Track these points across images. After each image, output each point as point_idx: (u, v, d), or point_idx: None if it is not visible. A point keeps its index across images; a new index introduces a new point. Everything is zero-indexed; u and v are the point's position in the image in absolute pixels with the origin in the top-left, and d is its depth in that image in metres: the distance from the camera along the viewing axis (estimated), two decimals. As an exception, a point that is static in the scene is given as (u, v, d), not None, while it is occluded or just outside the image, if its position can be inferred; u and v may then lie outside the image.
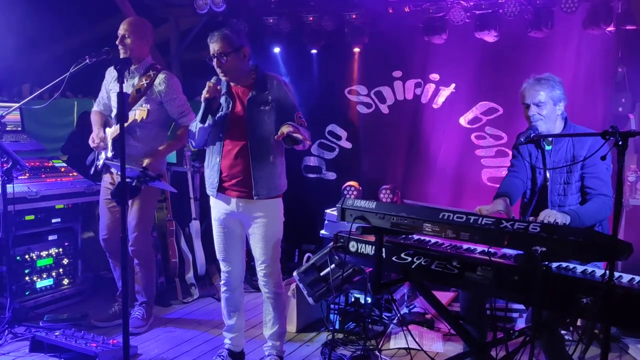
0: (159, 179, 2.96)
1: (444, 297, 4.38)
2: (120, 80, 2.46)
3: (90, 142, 3.96)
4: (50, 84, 3.61)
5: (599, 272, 2.31)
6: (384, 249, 2.68)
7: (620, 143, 2.06)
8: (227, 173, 3.20)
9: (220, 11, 5.24)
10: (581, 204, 3.00)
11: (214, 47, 3.11)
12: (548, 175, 3.06)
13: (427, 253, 2.58)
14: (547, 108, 2.99)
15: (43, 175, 4.42)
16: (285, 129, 2.96)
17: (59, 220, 4.45)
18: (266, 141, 3.16)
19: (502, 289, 2.37)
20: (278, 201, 3.27)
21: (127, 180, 2.63)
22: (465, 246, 2.66)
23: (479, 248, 2.60)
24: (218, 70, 3.16)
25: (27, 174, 4.28)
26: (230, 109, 3.19)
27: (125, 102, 2.40)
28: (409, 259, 2.62)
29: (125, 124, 3.56)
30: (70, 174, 4.60)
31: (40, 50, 5.85)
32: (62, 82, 3.55)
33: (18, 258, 4.14)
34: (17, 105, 3.98)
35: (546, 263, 2.33)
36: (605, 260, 2.11)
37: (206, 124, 3.14)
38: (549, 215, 2.71)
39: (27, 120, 4.82)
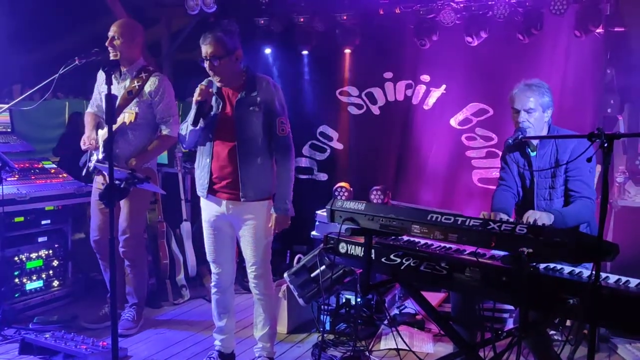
0: (148, 181, 2.96)
1: (435, 298, 4.39)
2: (108, 82, 2.45)
3: (81, 143, 3.95)
4: (40, 85, 3.60)
5: (586, 273, 2.32)
6: (373, 251, 2.68)
7: (605, 145, 2.07)
8: (217, 175, 3.20)
9: (212, 12, 5.23)
10: (566, 205, 3.03)
11: (206, 49, 3.08)
12: (534, 180, 3.09)
13: (415, 254, 2.58)
14: (536, 115, 3.01)
15: (33, 177, 4.40)
16: (275, 228, 3.23)
17: (48, 222, 4.42)
18: (254, 142, 3.16)
19: (490, 289, 2.38)
20: (268, 203, 3.27)
21: (116, 182, 2.62)
22: (454, 247, 2.67)
23: (469, 250, 2.62)
24: (210, 73, 3.15)
25: (17, 176, 4.26)
26: (220, 109, 3.18)
27: (113, 104, 2.39)
28: (398, 260, 2.63)
29: (115, 126, 3.56)
30: (60, 176, 4.58)
31: (31, 51, 5.81)
32: (51, 83, 3.54)
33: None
34: (6, 106, 3.96)
35: (534, 264, 2.35)
36: (591, 261, 2.12)
37: (197, 127, 3.13)
38: (530, 216, 2.75)
39: (18, 122, 4.80)
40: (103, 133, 3.86)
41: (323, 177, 5.71)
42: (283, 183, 3.22)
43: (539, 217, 2.75)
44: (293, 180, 3.28)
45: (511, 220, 2.92)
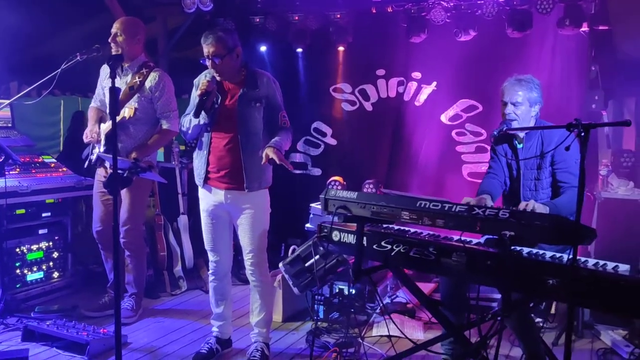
0: (150, 170, 3.07)
1: (425, 288, 4.52)
2: (112, 75, 2.55)
3: (84, 137, 4.06)
4: (41, 81, 3.69)
5: (566, 257, 2.45)
6: (365, 238, 2.80)
7: (582, 134, 2.21)
8: (215, 165, 3.31)
9: (208, 10, 5.34)
10: (554, 197, 3.17)
11: (208, 49, 3.17)
12: (521, 171, 3.23)
13: (405, 240, 2.71)
14: (523, 108, 3.15)
15: (33, 171, 4.50)
16: (271, 154, 3.08)
17: (49, 214, 4.53)
18: (256, 136, 3.28)
19: (475, 273, 2.51)
20: (265, 193, 3.40)
21: (119, 171, 2.73)
22: (443, 235, 2.79)
23: (457, 237, 2.74)
24: (212, 71, 3.25)
25: (18, 169, 4.36)
26: (219, 103, 3.29)
27: (117, 97, 2.51)
28: (389, 246, 2.75)
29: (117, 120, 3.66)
30: (60, 170, 4.69)
31: (28, 49, 5.87)
32: (52, 79, 3.63)
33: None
34: (8, 101, 4.06)
35: (517, 249, 2.48)
36: (569, 243, 2.25)
37: (202, 122, 3.24)
38: (528, 205, 2.88)
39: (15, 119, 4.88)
40: (105, 127, 3.97)
41: (317, 172, 5.82)
42: (282, 137, 3.26)
43: (535, 207, 2.88)
44: (289, 144, 3.34)
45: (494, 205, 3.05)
